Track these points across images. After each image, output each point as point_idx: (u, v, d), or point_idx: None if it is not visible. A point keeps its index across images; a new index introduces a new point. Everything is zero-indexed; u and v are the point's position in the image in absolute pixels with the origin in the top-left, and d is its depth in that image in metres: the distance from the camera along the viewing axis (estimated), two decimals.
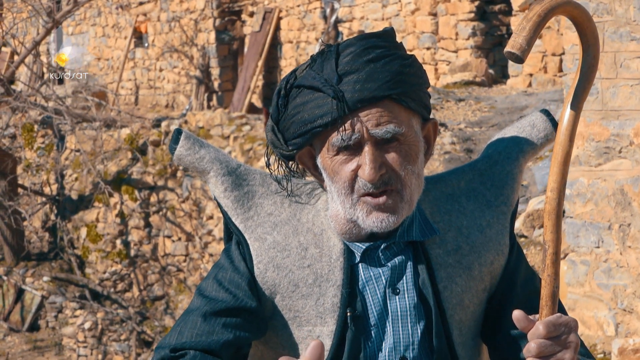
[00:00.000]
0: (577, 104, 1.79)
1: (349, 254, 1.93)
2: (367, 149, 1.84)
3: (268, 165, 2.00)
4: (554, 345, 1.75)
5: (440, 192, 2.01)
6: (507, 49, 1.67)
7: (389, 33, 1.92)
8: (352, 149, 1.86)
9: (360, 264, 1.93)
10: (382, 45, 1.88)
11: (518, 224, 7.74)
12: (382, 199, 1.86)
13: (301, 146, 1.91)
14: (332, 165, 1.88)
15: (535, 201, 7.75)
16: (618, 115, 5.99)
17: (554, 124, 2.06)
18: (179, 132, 2.01)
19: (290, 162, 1.99)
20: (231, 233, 2.01)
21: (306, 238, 1.94)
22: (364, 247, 1.92)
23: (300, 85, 1.88)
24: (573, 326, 1.78)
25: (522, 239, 7.61)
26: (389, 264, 1.93)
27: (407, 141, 1.87)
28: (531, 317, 1.78)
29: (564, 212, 6.57)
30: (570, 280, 6.33)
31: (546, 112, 2.07)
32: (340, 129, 1.84)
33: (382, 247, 1.93)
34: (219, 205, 1.99)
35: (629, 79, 5.90)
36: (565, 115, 1.78)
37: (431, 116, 1.97)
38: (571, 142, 1.77)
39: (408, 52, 1.93)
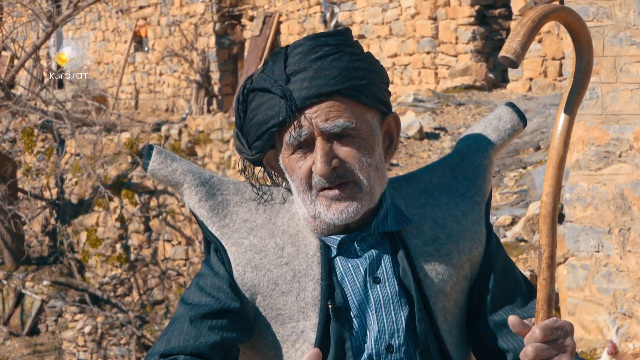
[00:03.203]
0: (571, 110, 1.81)
1: (325, 248, 1.95)
2: (317, 144, 1.88)
3: (243, 171, 2.03)
4: (551, 349, 1.76)
5: (414, 189, 2.04)
6: (502, 53, 1.70)
7: (342, 32, 1.95)
8: (306, 146, 1.89)
9: (337, 257, 1.96)
10: (331, 44, 1.91)
11: (518, 228, 7.74)
12: (338, 190, 1.89)
13: (263, 149, 1.95)
14: (290, 164, 1.92)
15: (535, 205, 7.75)
16: (618, 120, 5.99)
17: (520, 115, 2.09)
18: (150, 147, 2.04)
19: (260, 167, 2.03)
20: (210, 244, 2.03)
21: (282, 239, 1.97)
22: (339, 240, 1.94)
23: (254, 89, 1.93)
24: (569, 330, 1.79)
25: (522, 243, 7.61)
26: (366, 255, 1.95)
27: (361, 135, 1.90)
28: (526, 321, 1.80)
29: (564, 216, 6.57)
30: (570, 285, 6.33)
31: (511, 105, 2.10)
32: (290, 127, 1.88)
33: (357, 239, 1.95)
34: (194, 215, 2.02)
35: (629, 84, 5.91)
36: (559, 121, 1.81)
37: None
38: (565, 147, 1.80)
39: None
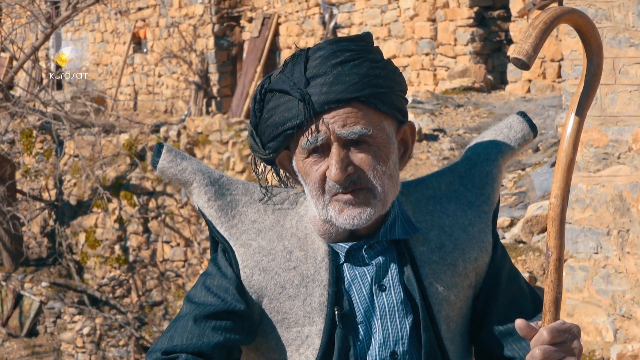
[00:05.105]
0: (580, 112, 1.81)
1: (333, 255, 1.96)
2: (333, 150, 1.88)
3: (255, 171, 2.03)
4: (558, 351, 1.77)
5: (422, 194, 2.04)
6: (514, 55, 1.69)
7: (363, 37, 1.94)
8: (322, 150, 1.90)
9: (345, 264, 1.96)
10: (352, 49, 1.90)
11: (517, 229, 7.74)
12: (352, 195, 1.89)
13: (277, 150, 1.95)
14: (304, 168, 1.92)
15: (534, 207, 7.75)
16: (617, 121, 5.99)
17: (531, 125, 2.09)
18: (160, 145, 2.03)
19: (274, 167, 2.03)
20: (217, 243, 2.03)
21: (290, 242, 1.97)
22: (347, 247, 1.95)
23: (273, 89, 1.92)
24: (576, 332, 1.79)
25: (521, 245, 7.61)
26: (373, 262, 1.95)
27: (377, 142, 1.89)
28: (533, 323, 1.80)
29: None
30: (569, 286, 6.33)
31: (523, 114, 2.10)
32: (307, 131, 1.88)
33: (365, 246, 1.96)
34: (202, 215, 2.02)
35: (628, 85, 5.91)
36: (569, 123, 1.81)
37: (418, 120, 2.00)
38: (575, 150, 1.80)
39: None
